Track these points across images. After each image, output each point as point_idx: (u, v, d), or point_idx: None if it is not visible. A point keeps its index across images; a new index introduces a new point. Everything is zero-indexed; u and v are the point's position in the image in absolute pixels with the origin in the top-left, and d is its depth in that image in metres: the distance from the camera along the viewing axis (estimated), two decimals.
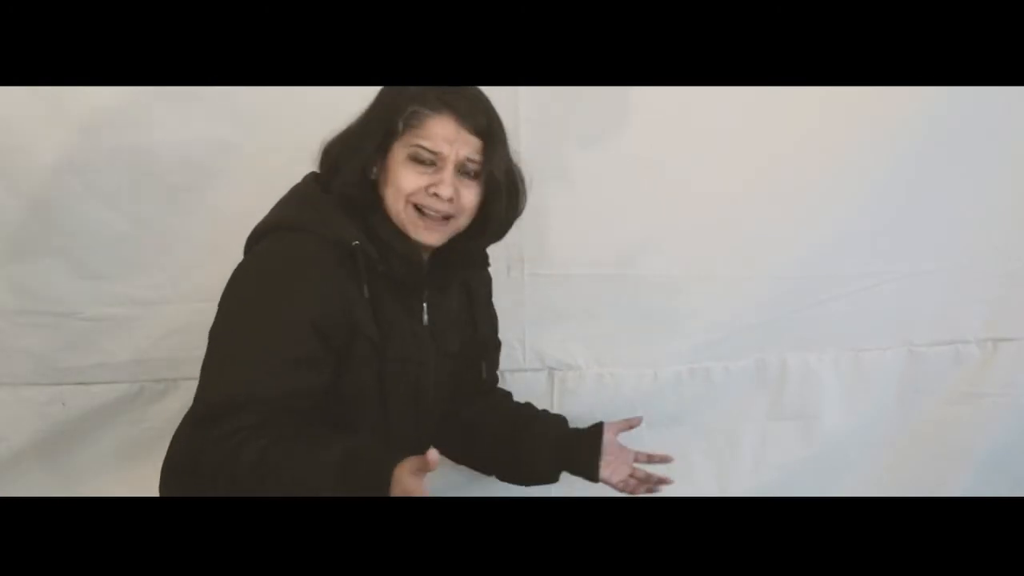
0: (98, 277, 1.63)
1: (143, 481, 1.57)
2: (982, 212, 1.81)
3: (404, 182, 1.23)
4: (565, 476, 1.48)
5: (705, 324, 1.79)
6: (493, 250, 1.66)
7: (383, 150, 1.24)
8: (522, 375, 1.77)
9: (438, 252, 1.31)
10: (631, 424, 1.51)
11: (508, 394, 1.57)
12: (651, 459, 1.49)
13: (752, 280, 1.77)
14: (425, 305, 1.32)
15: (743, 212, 1.73)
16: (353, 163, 1.25)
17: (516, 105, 1.61)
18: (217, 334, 1.23)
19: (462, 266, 1.36)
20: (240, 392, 1.16)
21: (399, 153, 1.24)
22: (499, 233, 1.35)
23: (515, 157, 1.34)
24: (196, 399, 1.23)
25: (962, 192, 1.79)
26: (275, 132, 1.59)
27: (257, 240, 1.28)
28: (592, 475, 1.44)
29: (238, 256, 1.36)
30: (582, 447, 1.45)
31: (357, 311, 1.21)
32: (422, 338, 1.31)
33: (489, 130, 1.25)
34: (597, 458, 1.43)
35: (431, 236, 1.26)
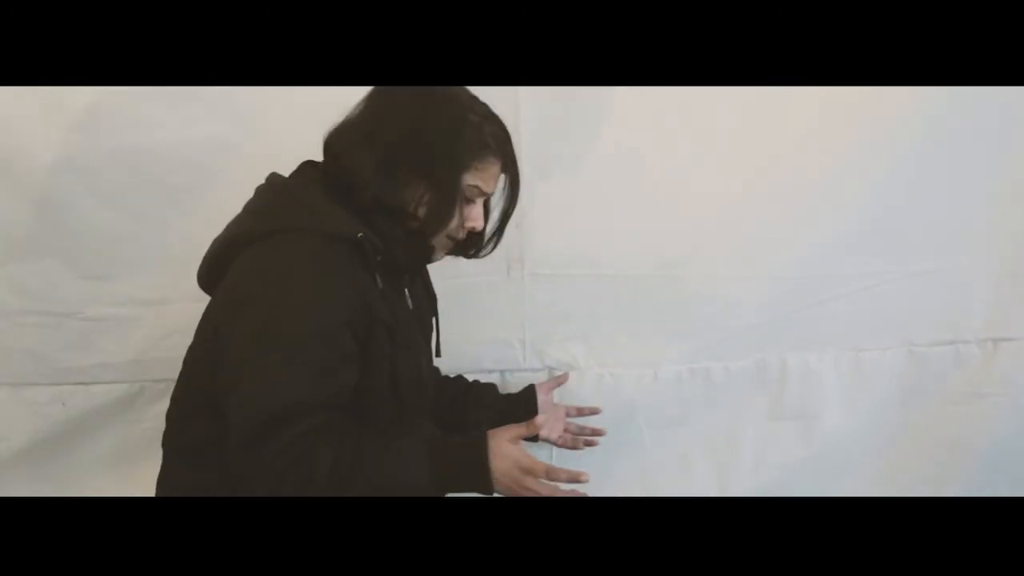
0: (98, 277, 1.63)
1: (143, 481, 1.57)
2: (982, 212, 1.81)
3: (453, 219, 1.25)
4: None
5: (705, 324, 1.79)
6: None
7: (454, 187, 1.23)
8: (522, 375, 1.77)
9: None
10: (559, 382, 1.65)
11: (435, 368, 1.57)
12: (580, 412, 1.63)
13: (752, 280, 1.77)
14: (407, 291, 1.33)
15: (743, 212, 1.73)
16: (412, 195, 1.22)
17: (516, 105, 1.62)
18: (242, 351, 1.16)
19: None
20: (287, 402, 1.12)
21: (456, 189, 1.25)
22: (472, 256, 1.39)
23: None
24: (233, 420, 1.15)
25: (962, 192, 1.79)
26: (275, 132, 1.59)
27: (237, 250, 1.23)
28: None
29: None
30: (519, 409, 1.54)
31: (374, 301, 1.20)
32: (414, 323, 1.32)
33: (516, 173, 1.30)
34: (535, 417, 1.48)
35: (442, 254, 1.31)
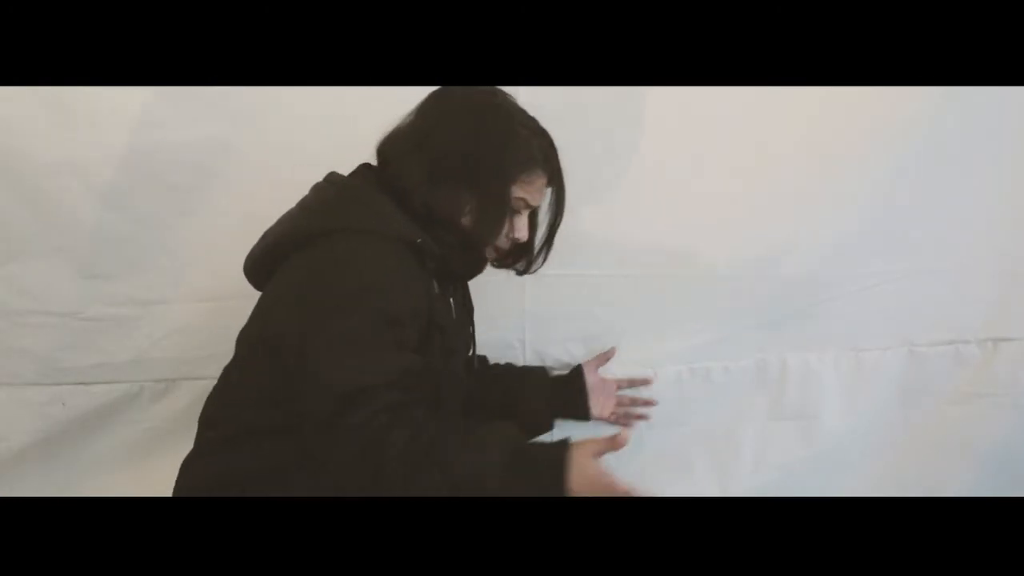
0: (98, 277, 1.63)
1: (143, 481, 1.58)
2: (982, 212, 1.81)
3: (501, 231, 1.28)
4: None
5: (705, 324, 1.79)
6: None
7: (503, 199, 1.27)
8: None
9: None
10: (607, 357, 1.64)
11: (484, 357, 1.60)
12: (632, 383, 1.64)
13: (752, 280, 1.77)
14: (451, 300, 1.35)
15: (743, 212, 1.73)
16: (454, 190, 1.25)
17: None
18: (304, 340, 1.16)
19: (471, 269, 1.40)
20: (360, 383, 1.13)
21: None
22: (519, 269, 1.43)
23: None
24: (303, 406, 1.16)
25: (962, 192, 1.79)
26: (275, 132, 1.59)
27: (297, 245, 1.24)
28: (584, 414, 1.51)
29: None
30: (571, 390, 1.57)
31: (432, 303, 1.23)
32: (458, 329, 1.36)
33: (561, 185, 1.34)
34: (586, 397, 1.54)
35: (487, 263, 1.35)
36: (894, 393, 1.89)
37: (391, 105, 1.55)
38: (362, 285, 1.16)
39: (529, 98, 1.59)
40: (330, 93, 1.52)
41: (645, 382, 1.64)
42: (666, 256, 1.74)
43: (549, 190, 1.33)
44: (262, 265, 1.30)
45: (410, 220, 1.23)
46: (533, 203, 1.31)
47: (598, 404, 1.57)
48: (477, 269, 1.35)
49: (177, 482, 1.32)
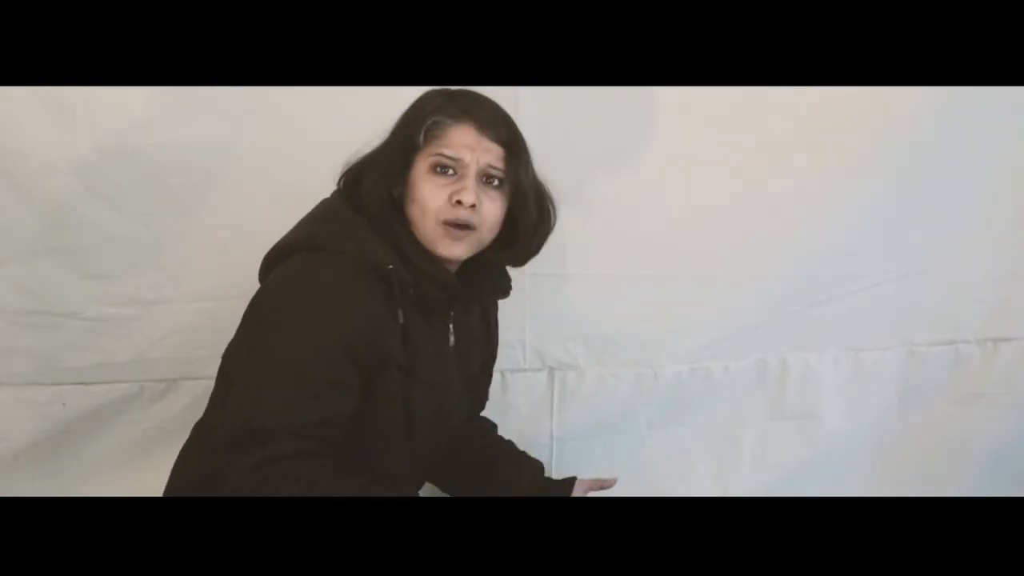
0: (98, 277, 1.63)
1: (143, 481, 1.57)
2: (982, 212, 1.81)
3: (429, 196, 1.21)
4: None
5: (705, 324, 1.79)
6: None
7: (406, 166, 1.23)
8: (522, 375, 1.77)
9: (467, 274, 1.29)
10: (603, 485, 1.46)
11: (494, 425, 1.55)
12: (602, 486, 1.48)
13: (752, 280, 1.77)
14: (451, 326, 1.31)
15: (743, 212, 1.73)
16: (377, 180, 1.23)
17: (516, 105, 1.61)
18: (244, 354, 1.19)
19: (490, 291, 1.36)
20: (273, 418, 1.11)
21: (421, 166, 1.22)
22: (529, 250, 1.32)
23: (542, 178, 1.33)
24: (220, 421, 1.17)
25: (962, 192, 1.79)
26: (274, 132, 1.59)
27: (281, 257, 1.24)
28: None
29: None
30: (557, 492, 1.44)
31: (388, 338, 1.18)
32: (448, 359, 1.30)
33: (510, 139, 1.24)
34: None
35: (455, 248, 1.22)
36: (894, 393, 1.89)
37: (390, 105, 1.55)
38: (314, 314, 1.15)
39: (529, 98, 1.60)
40: (330, 93, 1.52)
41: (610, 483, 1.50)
42: (666, 256, 1.74)
43: (501, 151, 1.23)
44: (263, 271, 1.30)
45: (384, 244, 1.20)
46: (457, 155, 1.20)
47: None
48: (449, 294, 1.25)
49: (167, 484, 1.33)
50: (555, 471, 1.73)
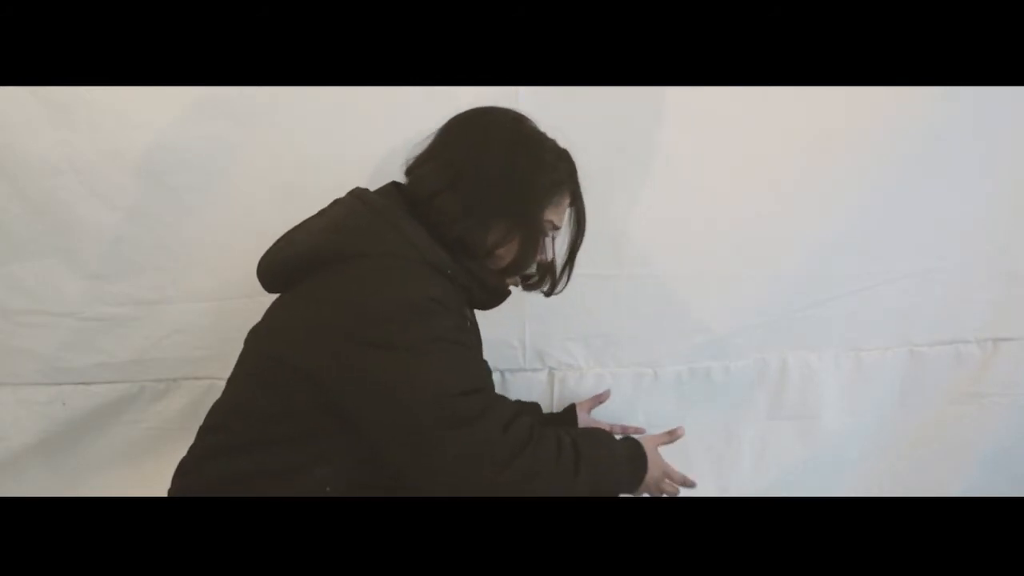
0: (98, 277, 1.63)
1: (143, 481, 1.58)
2: (982, 212, 1.81)
3: (536, 256, 1.30)
4: None
5: (705, 324, 1.79)
6: None
7: (536, 226, 1.29)
8: (522, 375, 1.77)
9: None
10: (600, 400, 1.69)
11: None
12: (625, 430, 1.66)
13: (752, 280, 1.77)
14: (468, 324, 1.34)
15: (743, 212, 1.73)
16: (491, 222, 1.26)
17: (516, 105, 1.61)
18: (371, 366, 1.15)
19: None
20: (470, 380, 1.18)
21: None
22: (545, 291, 1.43)
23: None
24: (404, 426, 1.15)
25: (962, 192, 1.79)
26: (275, 132, 1.59)
27: (327, 263, 1.21)
28: None
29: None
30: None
31: (467, 325, 1.27)
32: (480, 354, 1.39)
33: (581, 206, 1.37)
34: None
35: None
36: (894, 393, 1.89)
37: (391, 105, 1.55)
38: (408, 302, 1.16)
39: (529, 98, 1.59)
40: (330, 93, 1.52)
41: (638, 430, 1.66)
42: (666, 256, 1.74)
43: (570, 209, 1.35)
44: (283, 272, 1.27)
45: (441, 250, 1.23)
46: (559, 224, 1.33)
47: None
48: (498, 300, 1.36)
49: (174, 484, 1.30)
50: None
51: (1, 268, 1.61)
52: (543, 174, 1.28)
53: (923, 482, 1.91)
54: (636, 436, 1.42)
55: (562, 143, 1.37)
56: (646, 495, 1.41)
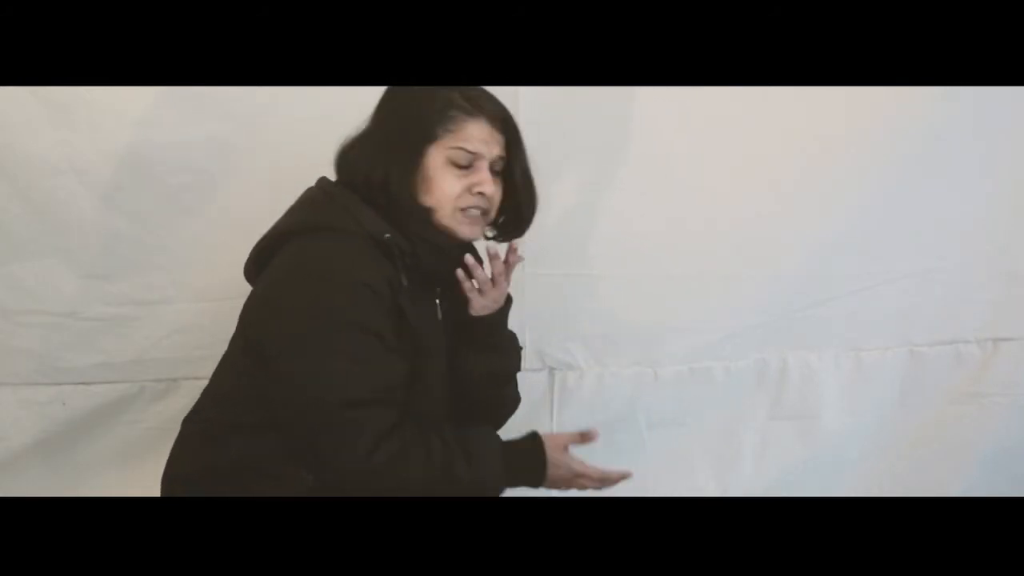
0: (98, 277, 1.63)
1: (143, 481, 1.57)
2: (982, 212, 1.81)
3: (448, 187, 1.26)
4: None
5: (705, 324, 1.79)
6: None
7: (417, 156, 1.27)
8: (522, 375, 1.76)
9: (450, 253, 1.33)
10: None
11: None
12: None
13: (752, 280, 1.77)
14: (438, 302, 1.34)
15: (743, 212, 1.73)
16: (387, 169, 1.26)
17: (516, 105, 1.61)
18: (282, 344, 1.19)
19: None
20: (355, 390, 1.16)
21: (437, 158, 1.27)
22: (521, 229, 1.39)
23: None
24: (289, 412, 1.18)
25: (962, 192, 1.79)
26: (275, 132, 1.59)
27: (272, 248, 1.27)
28: (475, 324, 1.41)
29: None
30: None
31: (403, 299, 1.24)
32: (440, 331, 1.34)
33: (513, 130, 1.31)
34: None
35: (474, 231, 1.31)
36: (894, 393, 1.89)
37: None
38: (334, 289, 1.19)
39: (529, 98, 1.60)
40: (330, 93, 1.52)
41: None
42: (666, 256, 1.74)
43: (504, 140, 1.30)
44: (252, 265, 1.32)
45: (377, 216, 1.24)
46: (474, 149, 1.27)
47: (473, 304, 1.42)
48: (443, 262, 1.31)
49: (164, 474, 1.32)
50: None
51: (1, 268, 1.61)
52: (426, 104, 1.27)
53: (923, 482, 1.91)
54: (543, 436, 1.31)
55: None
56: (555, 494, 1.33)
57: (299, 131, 1.58)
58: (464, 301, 1.36)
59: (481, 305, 1.37)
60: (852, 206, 1.76)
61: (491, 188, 1.28)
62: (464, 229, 1.29)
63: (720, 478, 1.87)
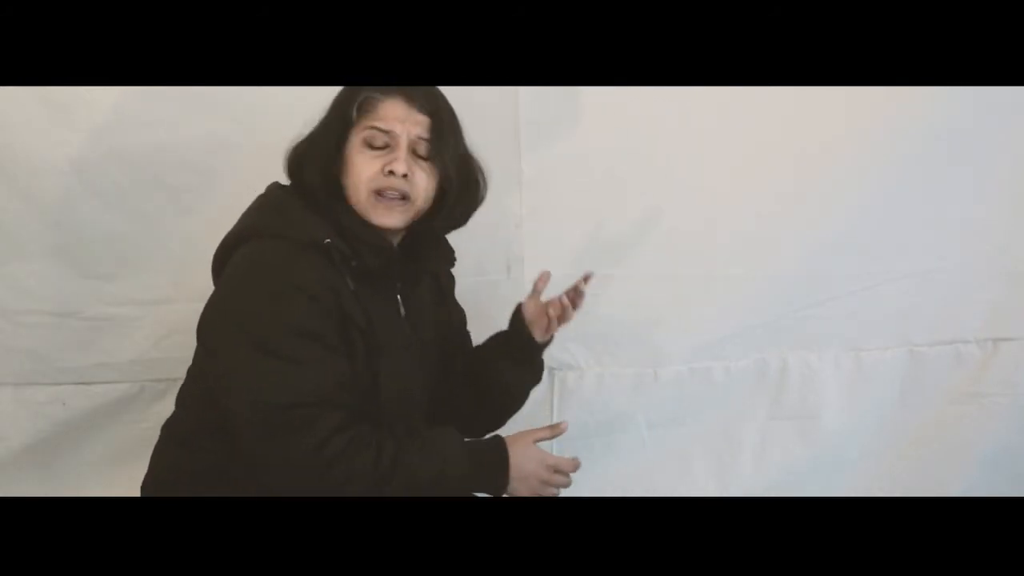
0: (98, 277, 1.63)
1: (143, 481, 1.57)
2: (982, 212, 1.81)
3: (362, 168, 1.26)
4: None
5: (705, 324, 1.79)
6: (492, 251, 1.65)
7: (341, 143, 1.27)
8: None
9: (406, 246, 1.33)
10: (542, 282, 1.44)
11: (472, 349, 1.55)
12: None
13: (752, 280, 1.77)
14: (399, 298, 1.34)
15: (743, 212, 1.73)
16: (316, 161, 1.28)
17: (516, 105, 1.62)
18: (229, 348, 1.20)
19: (431, 259, 1.38)
20: (300, 393, 1.16)
21: (355, 141, 1.27)
22: (458, 219, 1.35)
23: (474, 152, 1.34)
24: (236, 411, 1.18)
25: (962, 192, 1.79)
26: (275, 132, 1.59)
27: (228, 252, 1.28)
28: (531, 346, 1.43)
29: None
30: (514, 326, 1.45)
31: (346, 301, 1.23)
32: (403, 327, 1.33)
33: (437, 110, 1.28)
34: (525, 326, 1.43)
35: (391, 218, 1.27)
36: (894, 393, 1.89)
37: None
38: (273, 294, 1.19)
39: (529, 98, 1.60)
40: (330, 93, 1.52)
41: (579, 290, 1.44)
42: (665, 256, 1.74)
43: (428, 121, 1.27)
44: (213, 272, 1.33)
45: (320, 221, 1.25)
46: (388, 128, 1.25)
47: (539, 329, 1.43)
48: (387, 261, 1.29)
49: (144, 480, 1.34)
50: None
51: (1, 268, 1.61)
52: (352, 93, 1.28)
53: (923, 482, 1.91)
54: (513, 434, 1.28)
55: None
56: (527, 495, 1.25)
57: (298, 131, 1.58)
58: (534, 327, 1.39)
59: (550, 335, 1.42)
60: (852, 206, 1.76)
61: (403, 167, 1.24)
62: (379, 214, 1.26)
63: (720, 478, 1.87)
